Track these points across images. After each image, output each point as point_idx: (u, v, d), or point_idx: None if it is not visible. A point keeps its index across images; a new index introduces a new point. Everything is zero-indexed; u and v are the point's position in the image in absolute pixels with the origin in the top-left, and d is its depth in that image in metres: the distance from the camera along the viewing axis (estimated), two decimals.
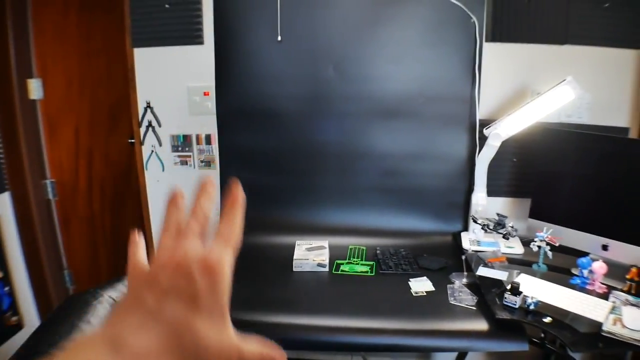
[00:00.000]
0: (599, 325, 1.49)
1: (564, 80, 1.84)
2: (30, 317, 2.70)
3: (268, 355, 0.40)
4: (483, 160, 1.98)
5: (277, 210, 2.26)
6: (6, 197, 2.58)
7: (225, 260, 0.37)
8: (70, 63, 2.78)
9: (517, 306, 1.56)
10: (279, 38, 2.05)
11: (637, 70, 2.11)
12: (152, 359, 0.34)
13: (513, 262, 1.89)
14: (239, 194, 0.42)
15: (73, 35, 2.75)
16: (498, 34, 2.05)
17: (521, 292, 1.58)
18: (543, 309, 1.58)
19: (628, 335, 1.44)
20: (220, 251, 0.38)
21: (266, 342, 0.40)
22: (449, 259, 1.97)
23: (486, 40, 2.06)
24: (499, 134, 1.90)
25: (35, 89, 2.64)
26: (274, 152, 2.23)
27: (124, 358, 0.34)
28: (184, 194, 0.43)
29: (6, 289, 2.56)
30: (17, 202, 2.63)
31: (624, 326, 1.48)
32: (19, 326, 2.62)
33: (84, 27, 2.75)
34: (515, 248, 1.96)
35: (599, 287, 1.73)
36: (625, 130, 2.16)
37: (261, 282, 1.86)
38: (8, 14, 2.41)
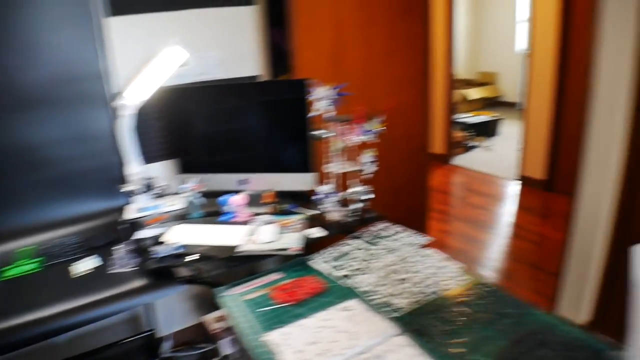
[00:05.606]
0: (234, 248, 1.71)
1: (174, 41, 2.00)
2: None
3: None
4: (123, 132, 2.02)
5: None
6: None
7: None
8: None
9: (161, 255, 1.69)
10: None
11: (254, 24, 2.41)
12: None
13: (178, 218, 2.03)
14: None
15: None
16: (119, 8, 2.09)
17: (163, 242, 1.70)
18: (193, 250, 1.73)
19: (255, 249, 1.68)
20: None
21: None
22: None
23: (107, 16, 2.08)
24: (124, 104, 1.96)
25: None
26: None
27: None
28: None
29: None
30: None
31: (255, 243, 1.72)
32: None
33: None
34: (177, 204, 2.08)
35: (247, 217, 1.97)
36: (254, 78, 2.46)
37: None
38: None
